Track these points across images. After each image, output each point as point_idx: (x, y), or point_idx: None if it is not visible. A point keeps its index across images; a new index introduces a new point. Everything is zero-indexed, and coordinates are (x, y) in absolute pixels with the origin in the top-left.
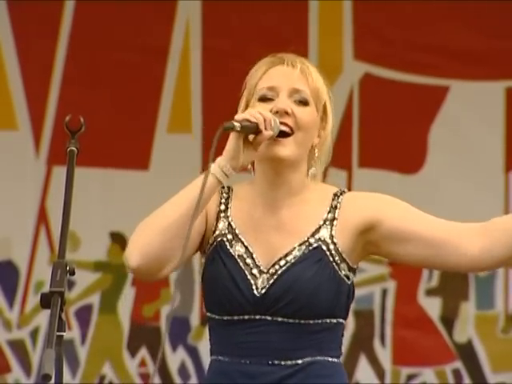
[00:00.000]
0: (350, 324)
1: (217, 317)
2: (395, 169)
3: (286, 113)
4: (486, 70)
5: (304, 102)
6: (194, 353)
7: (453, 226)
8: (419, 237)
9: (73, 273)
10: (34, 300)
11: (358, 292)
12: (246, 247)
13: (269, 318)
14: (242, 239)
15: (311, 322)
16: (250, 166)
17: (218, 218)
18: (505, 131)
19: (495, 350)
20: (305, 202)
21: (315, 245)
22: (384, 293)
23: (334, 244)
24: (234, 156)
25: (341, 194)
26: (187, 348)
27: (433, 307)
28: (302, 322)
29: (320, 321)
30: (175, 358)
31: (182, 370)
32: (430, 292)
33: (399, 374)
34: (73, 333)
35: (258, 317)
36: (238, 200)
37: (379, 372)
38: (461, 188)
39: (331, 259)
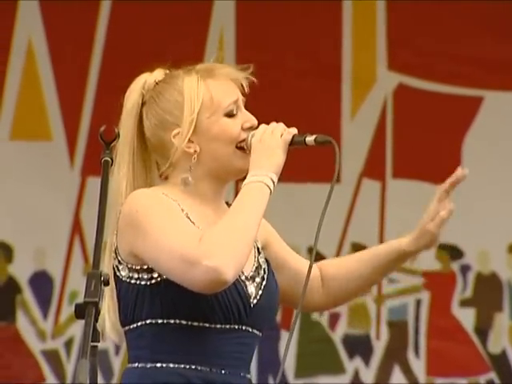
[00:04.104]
0: (383, 335)
1: (206, 324)
2: (429, 179)
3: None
4: None
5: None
6: None
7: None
8: (289, 267)
9: (107, 283)
10: (68, 310)
11: (392, 303)
12: None
13: (249, 329)
14: None
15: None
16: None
17: None
18: None
19: None
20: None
21: (264, 255)
22: (418, 304)
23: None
24: (280, 170)
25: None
26: None
27: (467, 318)
28: (260, 334)
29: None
30: None
31: None
32: (464, 303)
33: None
34: (107, 343)
35: (243, 327)
36: (185, 204)
37: (413, 383)
38: (495, 199)
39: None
